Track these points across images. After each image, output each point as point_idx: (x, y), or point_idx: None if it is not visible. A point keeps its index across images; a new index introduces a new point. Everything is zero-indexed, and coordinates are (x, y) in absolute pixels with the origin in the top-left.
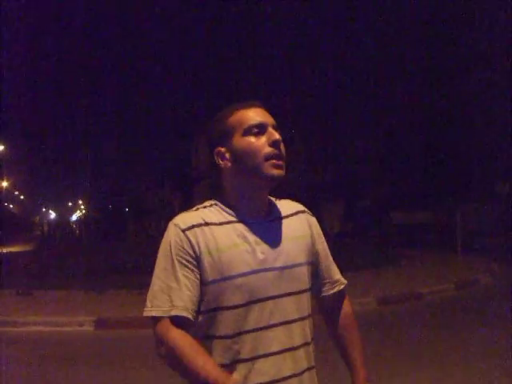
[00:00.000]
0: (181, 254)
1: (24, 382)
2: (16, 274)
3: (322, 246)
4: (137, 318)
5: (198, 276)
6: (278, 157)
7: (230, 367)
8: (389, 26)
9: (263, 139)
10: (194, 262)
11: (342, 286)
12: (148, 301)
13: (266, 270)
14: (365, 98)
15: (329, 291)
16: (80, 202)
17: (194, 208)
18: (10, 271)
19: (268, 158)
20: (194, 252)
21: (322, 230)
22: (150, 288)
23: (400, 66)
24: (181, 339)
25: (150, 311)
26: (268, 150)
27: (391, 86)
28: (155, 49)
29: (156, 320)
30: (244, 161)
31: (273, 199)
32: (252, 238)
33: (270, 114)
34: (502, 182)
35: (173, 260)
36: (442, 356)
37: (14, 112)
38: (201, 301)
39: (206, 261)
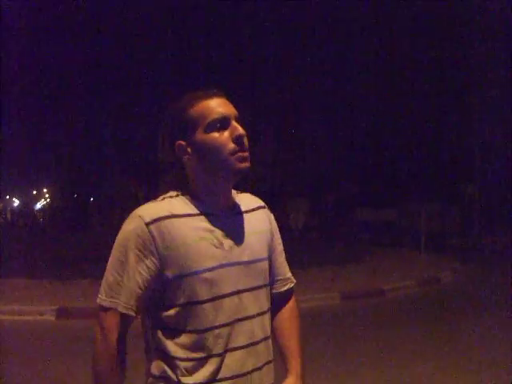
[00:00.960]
0: (141, 248)
1: None
2: None
3: (279, 242)
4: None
5: (156, 273)
6: (242, 150)
7: (200, 362)
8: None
9: (226, 134)
10: (154, 259)
11: (292, 285)
12: (103, 289)
13: (232, 264)
14: (334, 93)
15: (280, 288)
16: (45, 190)
17: (160, 198)
18: None
19: (233, 153)
20: (156, 248)
21: (288, 225)
22: (105, 276)
23: (368, 62)
24: (111, 351)
25: (104, 300)
26: (232, 145)
27: (361, 82)
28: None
29: (106, 309)
30: (208, 157)
31: (234, 192)
32: (218, 231)
33: (234, 105)
34: (467, 183)
35: (129, 254)
36: (401, 352)
37: None
38: (169, 296)
39: (173, 255)
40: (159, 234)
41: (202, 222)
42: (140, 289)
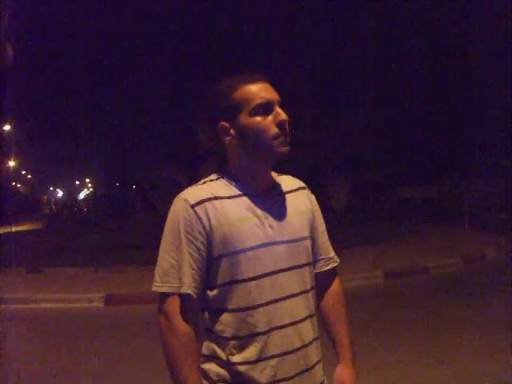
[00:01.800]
0: (189, 230)
1: (34, 359)
2: (25, 253)
3: (321, 222)
4: (145, 294)
5: (205, 253)
6: (284, 135)
7: (246, 340)
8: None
9: (270, 118)
10: (202, 239)
11: (336, 264)
12: (157, 275)
13: (274, 243)
14: (371, 73)
15: (323, 267)
16: (87, 180)
17: (201, 181)
18: (19, 250)
19: (276, 137)
20: (204, 228)
21: (329, 205)
22: (159, 263)
23: (406, 39)
24: (180, 337)
25: (160, 287)
26: (275, 130)
27: (398, 62)
28: (158, 21)
29: (164, 296)
30: (251, 139)
31: (275, 174)
32: (260, 211)
33: (275, 88)
34: (506, 157)
35: (181, 236)
36: (448, 329)
37: (19, 91)
38: (213, 275)
39: (218, 235)
40: (204, 214)
41: (244, 203)
42: (194, 269)
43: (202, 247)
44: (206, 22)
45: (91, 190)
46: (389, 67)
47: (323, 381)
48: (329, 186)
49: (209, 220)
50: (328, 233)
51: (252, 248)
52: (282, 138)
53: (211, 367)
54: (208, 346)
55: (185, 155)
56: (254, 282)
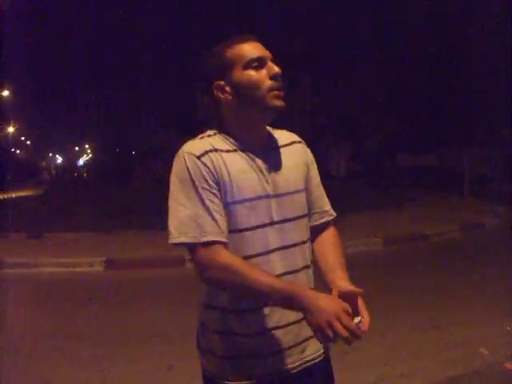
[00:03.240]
0: (201, 179)
1: (36, 322)
2: (26, 218)
3: (315, 174)
4: (146, 258)
5: (220, 197)
6: (279, 88)
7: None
8: None
9: (264, 72)
10: (215, 186)
11: (331, 218)
12: (173, 228)
13: (270, 196)
14: (370, 41)
15: (317, 220)
16: (87, 146)
17: (199, 137)
18: (19, 215)
19: (270, 89)
20: (214, 176)
21: (329, 170)
22: (173, 216)
23: (406, 9)
24: (234, 259)
25: (177, 238)
26: (269, 82)
27: (398, 28)
28: None
29: (191, 247)
30: (246, 94)
31: (270, 129)
32: (257, 165)
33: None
34: (506, 126)
35: (196, 187)
36: (446, 295)
37: (18, 56)
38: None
39: (221, 184)
40: (211, 164)
41: (241, 157)
42: (218, 213)
43: (217, 192)
44: None
45: (91, 156)
46: (388, 35)
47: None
48: (328, 152)
49: (215, 169)
50: (328, 197)
51: (248, 199)
52: (276, 92)
53: (210, 316)
54: (208, 295)
55: (185, 120)
56: (249, 233)
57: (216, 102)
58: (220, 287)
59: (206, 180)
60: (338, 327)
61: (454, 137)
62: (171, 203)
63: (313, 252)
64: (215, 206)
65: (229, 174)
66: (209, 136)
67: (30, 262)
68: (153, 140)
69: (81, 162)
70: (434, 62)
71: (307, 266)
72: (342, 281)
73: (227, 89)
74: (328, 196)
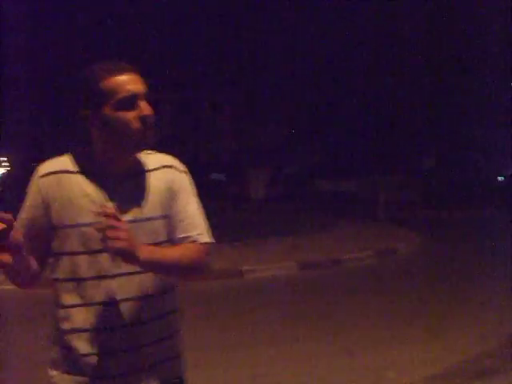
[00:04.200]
0: (32, 195)
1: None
2: None
3: (180, 202)
4: None
5: (42, 220)
6: (147, 130)
7: (79, 309)
8: None
9: (134, 113)
10: (40, 205)
11: (198, 243)
12: None
13: None
14: (295, 64)
15: None
16: (4, 158)
17: (63, 155)
18: None
19: (138, 132)
20: (42, 197)
21: (249, 195)
22: None
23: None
24: None
25: None
26: (138, 124)
27: (319, 56)
28: None
29: None
30: (114, 132)
31: (145, 152)
32: (105, 190)
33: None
34: (426, 157)
35: (26, 201)
36: (355, 320)
37: None
38: (52, 244)
39: (56, 206)
40: (49, 186)
41: (92, 180)
42: (25, 221)
43: (36, 213)
44: None
45: (8, 169)
46: (310, 58)
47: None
48: (248, 175)
49: (52, 191)
50: (244, 222)
51: (85, 224)
52: (144, 134)
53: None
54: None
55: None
56: (84, 257)
57: (84, 124)
58: None
59: (34, 197)
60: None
61: (374, 165)
62: None
63: None
64: (25, 216)
65: (69, 196)
66: (70, 155)
67: None
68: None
69: None
70: (354, 90)
71: (149, 295)
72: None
73: (95, 121)
74: (245, 220)
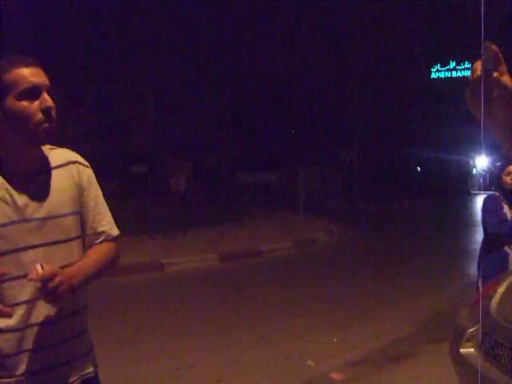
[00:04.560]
0: None
1: None
2: None
3: (91, 197)
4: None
5: None
6: (49, 121)
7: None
8: None
9: (36, 104)
10: None
11: (109, 238)
12: None
13: (25, 220)
14: (216, 56)
15: (93, 242)
16: None
17: None
18: None
19: (40, 123)
20: None
21: (169, 188)
22: None
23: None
24: None
25: None
26: (40, 115)
27: (238, 49)
28: None
29: None
30: (16, 123)
31: (47, 148)
32: (15, 189)
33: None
34: (346, 150)
35: None
36: (275, 310)
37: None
38: None
39: None
40: None
41: (0, 181)
42: None
43: None
44: None
45: None
46: (230, 56)
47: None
48: (169, 168)
49: None
50: (166, 215)
51: (1, 225)
52: (45, 125)
53: None
54: None
55: None
56: (4, 257)
57: None
58: None
59: None
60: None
61: (293, 156)
62: None
63: None
64: None
65: None
66: None
67: None
68: None
69: None
70: (276, 82)
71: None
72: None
73: None
74: (167, 212)
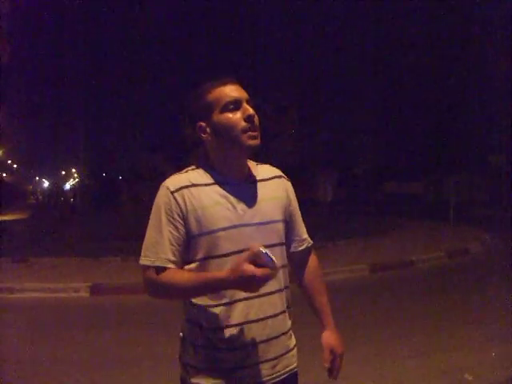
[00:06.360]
0: (169, 212)
1: (21, 348)
2: (12, 242)
3: (295, 208)
4: (131, 284)
5: (183, 232)
6: (253, 129)
7: (229, 305)
8: None
9: (239, 114)
10: (180, 220)
11: (309, 245)
12: (142, 251)
13: (244, 225)
14: (363, 67)
15: (297, 248)
16: (73, 170)
17: (184, 170)
18: (5, 239)
19: (244, 131)
20: (181, 211)
21: (316, 197)
22: (144, 241)
23: (401, 37)
24: (170, 277)
25: (142, 260)
26: (243, 124)
27: (390, 57)
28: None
29: (145, 268)
30: (223, 134)
31: (254, 164)
32: (233, 197)
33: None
34: (495, 154)
35: (161, 218)
36: (431, 321)
37: (6, 78)
38: (191, 252)
39: (193, 217)
40: (182, 200)
41: (218, 190)
42: (172, 245)
43: (180, 227)
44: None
45: (77, 180)
46: (382, 63)
47: (291, 348)
48: (316, 178)
49: (185, 204)
50: (314, 225)
51: (223, 229)
52: (250, 133)
53: (191, 330)
54: (188, 312)
55: (172, 147)
56: (225, 258)
57: (199, 138)
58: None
59: (172, 213)
60: (254, 271)
61: (441, 165)
62: (147, 228)
63: (299, 278)
64: (171, 236)
65: (202, 206)
66: (192, 170)
67: (15, 287)
68: (139, 166)
69: (67, 186)
70: (424, 93)
71: (281, 289)
72: (331, 334)
73: (208, 130)
74: (315, 222)
